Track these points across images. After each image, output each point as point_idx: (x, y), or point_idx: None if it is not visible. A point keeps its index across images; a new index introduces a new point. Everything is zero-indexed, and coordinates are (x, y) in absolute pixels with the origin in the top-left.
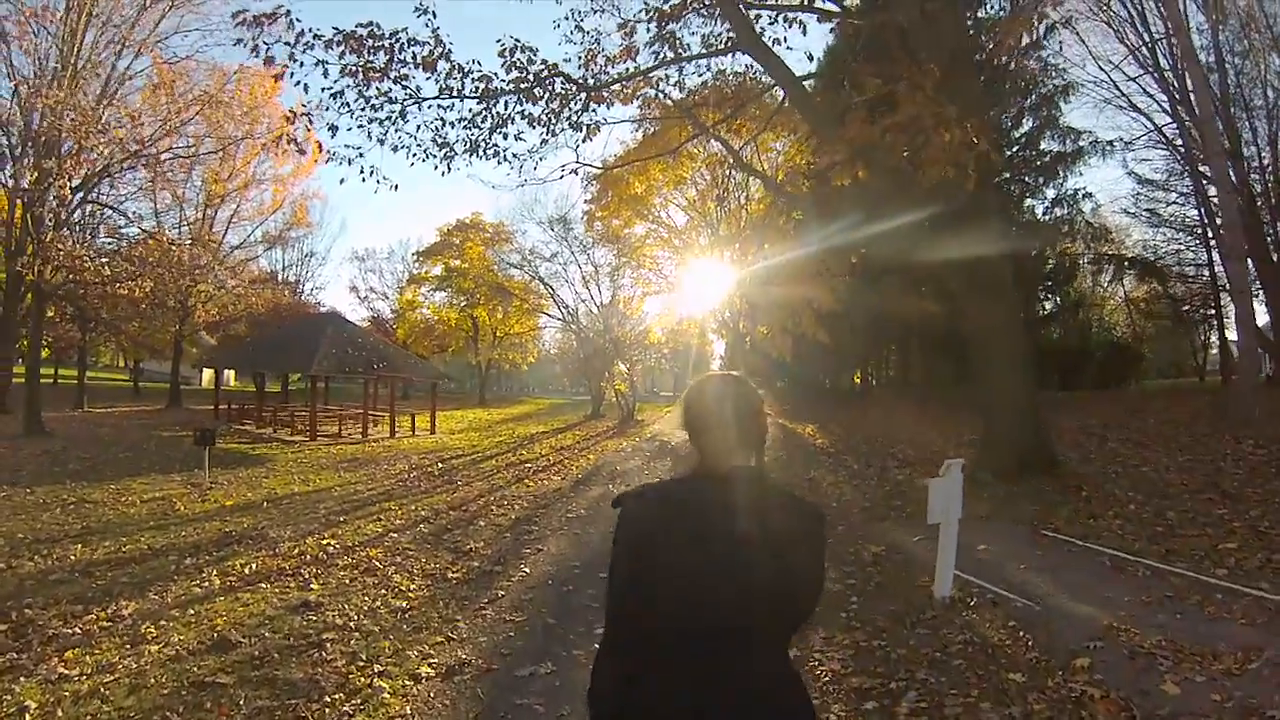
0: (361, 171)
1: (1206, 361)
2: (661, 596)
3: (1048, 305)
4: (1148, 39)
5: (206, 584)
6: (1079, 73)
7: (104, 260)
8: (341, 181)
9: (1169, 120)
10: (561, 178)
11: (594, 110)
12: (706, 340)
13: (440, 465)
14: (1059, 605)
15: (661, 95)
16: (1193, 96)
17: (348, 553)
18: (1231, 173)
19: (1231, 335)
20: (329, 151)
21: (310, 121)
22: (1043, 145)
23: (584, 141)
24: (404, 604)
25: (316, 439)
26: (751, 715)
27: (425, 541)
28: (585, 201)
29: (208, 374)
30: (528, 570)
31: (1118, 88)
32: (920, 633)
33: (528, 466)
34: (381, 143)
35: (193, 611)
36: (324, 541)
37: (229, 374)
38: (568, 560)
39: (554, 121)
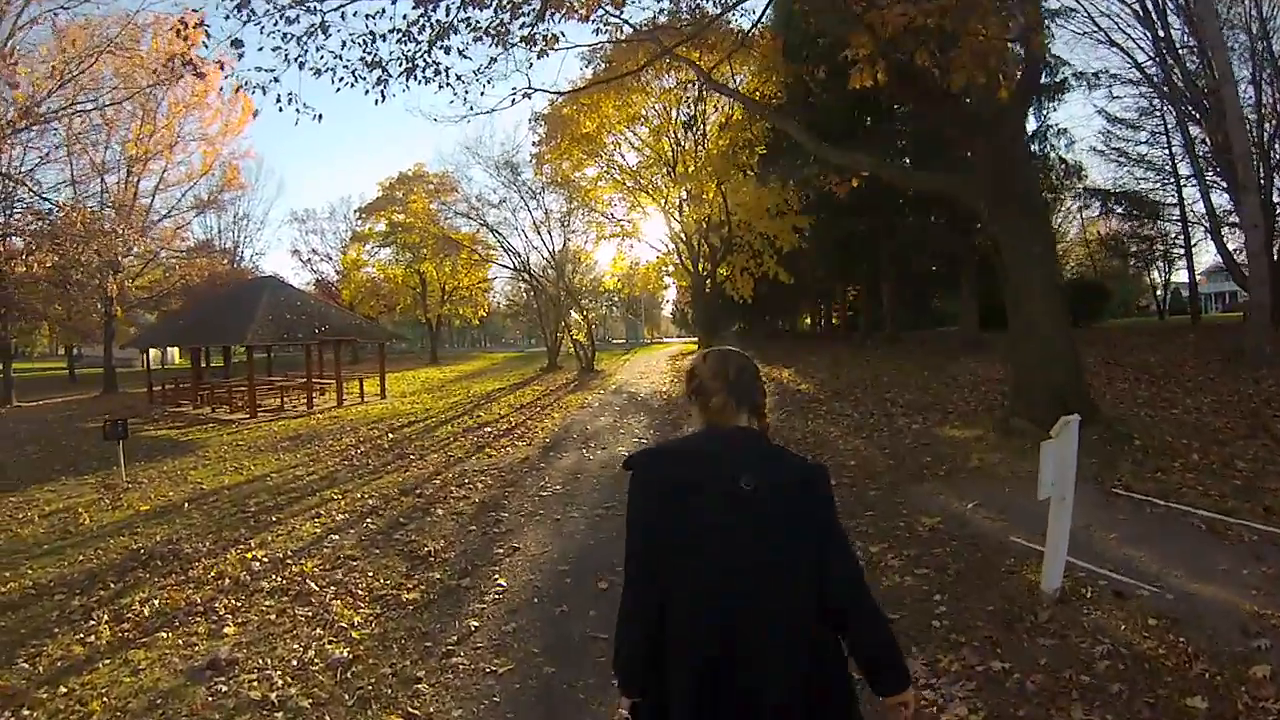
0: (278, 100)
1: (1167, 300)
2: (682, 549)
3: None
4: None
5: (93, 638)
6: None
7: None
8: (256, 114)
9: (1148, 58)
10: (514, 103)
11: (551, 19)
12: (661, 284)
13: (390, 436)
14: (1186, 590)
15: (619, 18)
16: (1175, 33)
17: (277, 569)
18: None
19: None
20: (236, 76)
21: (208, 35)
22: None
23: (538, 58)
24: (346, 652)
25: (257, 415)
26: (784, 682)
27: (373, 544)
28: (533, 143)
29: (155, 354)
30: (504, 583)
31: (1094, 22)
32: (1045, 644)
33: (487, 432)
34: (301, 65)
35: (64, 690)
36: (250, 555)
37: (173, 352)
38: (553, 562)
39: (504, 33)
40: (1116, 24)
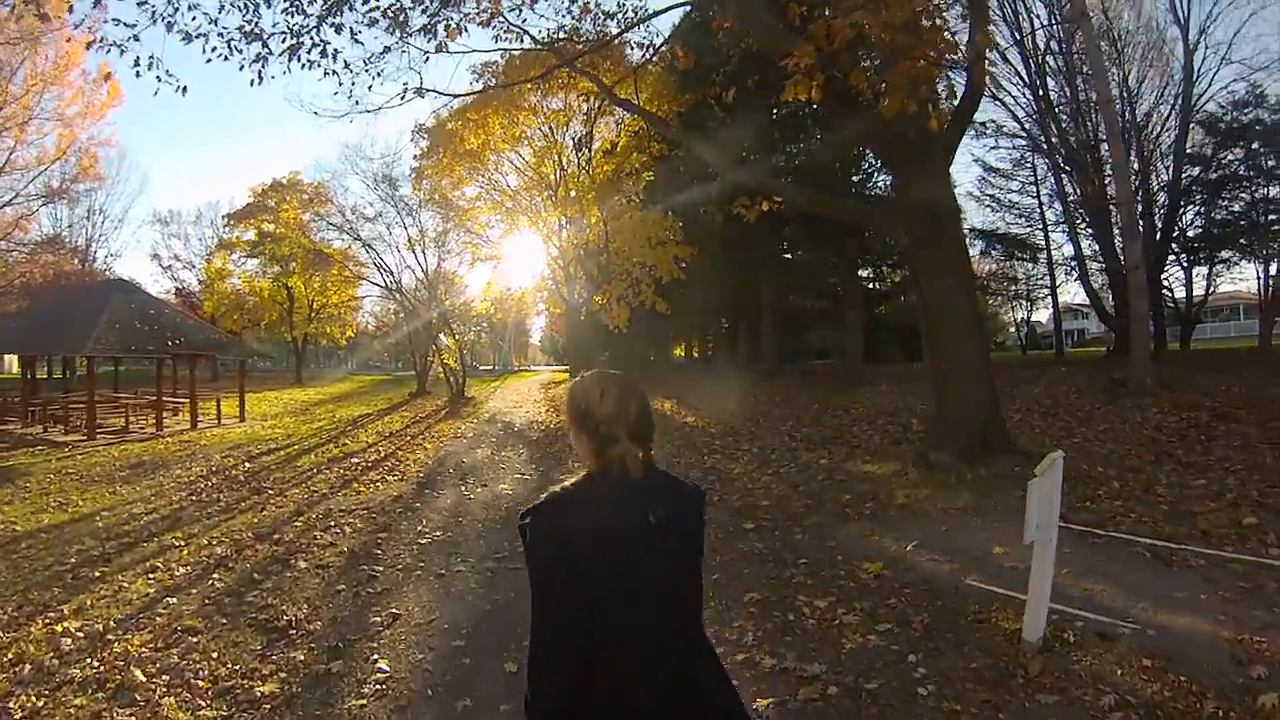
0: (137, 64)
1: (1029, 336)
2: (603, 598)
3: (893, 280)
4: (1016, 35)
5: None
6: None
7: None
8: (108, 77)
9: (1026, 115)
10: (403, 100)
11: (454, 8)
12: (534, 310)
13: (247, 466)
14: (1160, 623)
15: (520, 27)
16: (1053, 95)
17: (95, 649)
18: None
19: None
20: (89, 30)
21: None
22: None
23: (436, 51)
24: None
25: (95, 437)
26: (698, 692)
27: (219, 610)
28: (414, 156)
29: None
30: (386, 666)
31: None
32: (1048, 702)
33: (355, 463)
34: (169, 26)
35: None
36: (61, 627)
37: (11, 360)
38: (444, 634)
39: (403, 20)
40: (1000, 82)
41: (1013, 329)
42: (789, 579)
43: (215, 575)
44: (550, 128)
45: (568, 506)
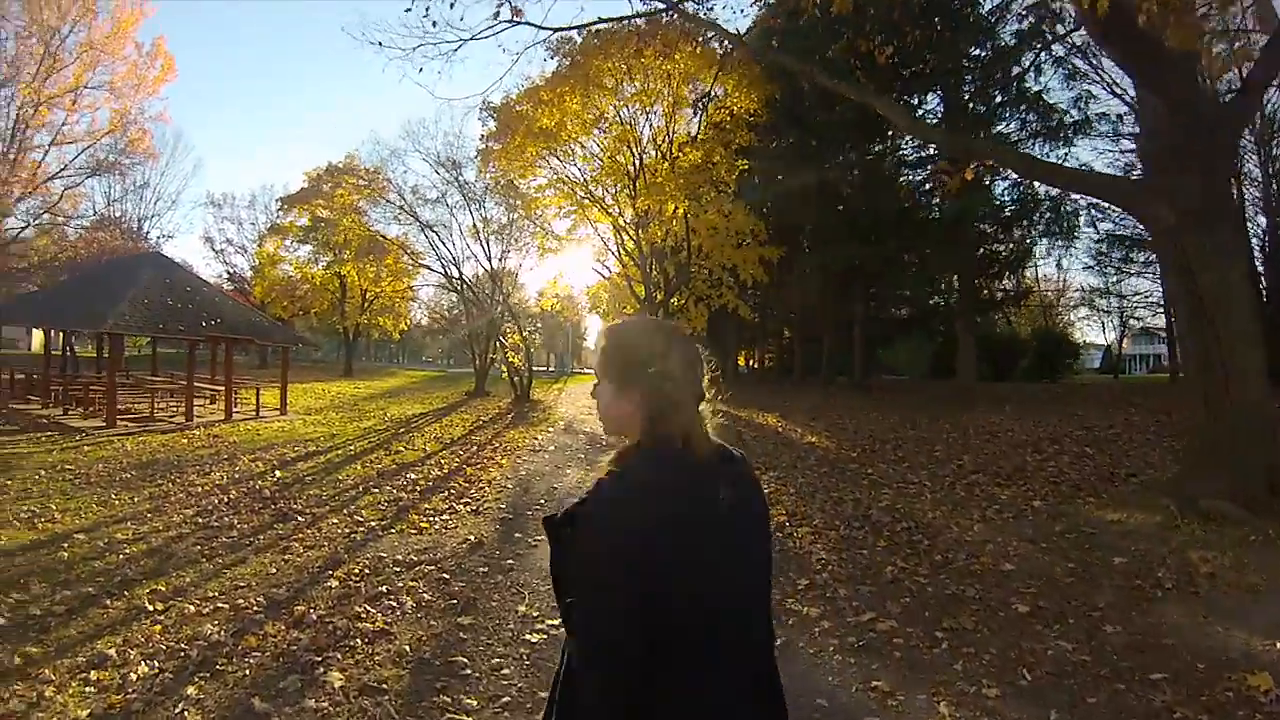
0: None
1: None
2: (676, 609)
3: (1002, 290)
4: None
5: None
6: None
7: None
8: (175, 76)
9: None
10: (494, 27)
11: None
12: (606, 309)
13: (277, 474)
14: None
15: None
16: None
17: None
18: None
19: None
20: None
21: None
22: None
23: None
24: None
25: (115, 424)
26: (772, 697)
27: None
28: (481, 137)
29: (39, 335)
30: None
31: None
32: None
33: (411, 480)
34: None
35: None
36: None
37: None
38: None
39: None
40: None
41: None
42: (1158, 706)
43: (190, 689)
44: (629, 112)
45: (625, 494)
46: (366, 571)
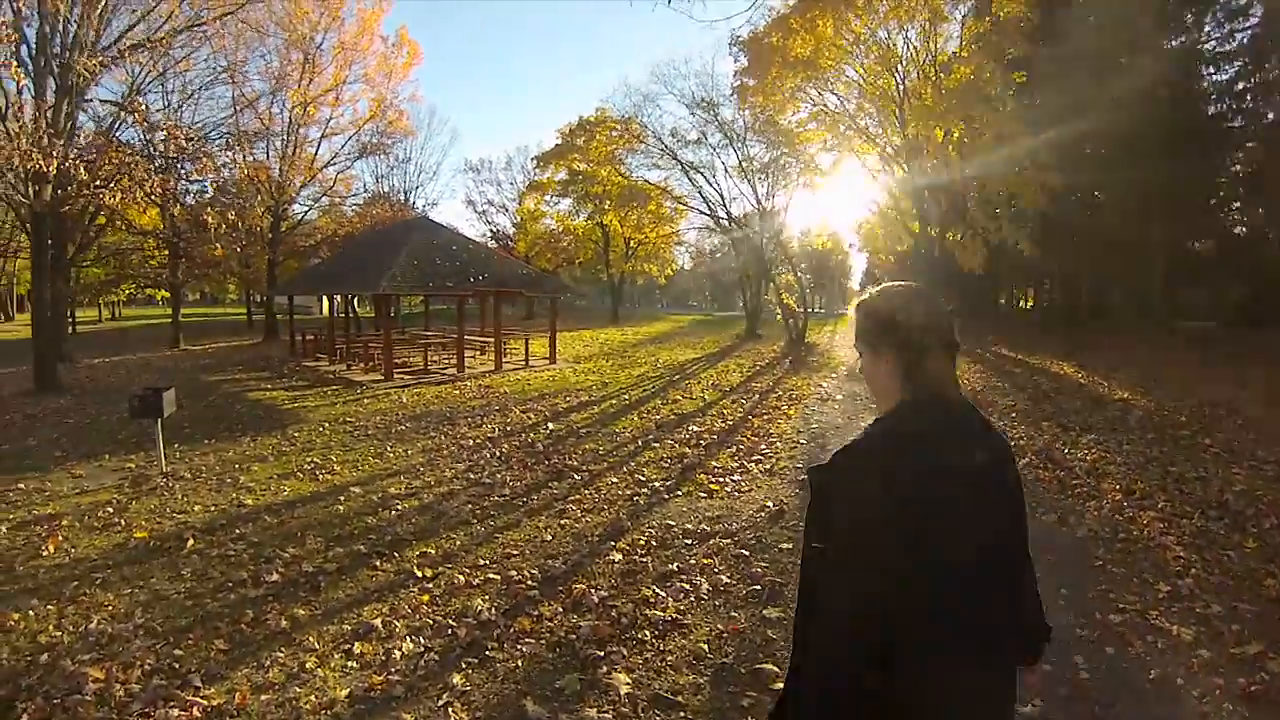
0: None
1: None
2: (936, 562)
3: None
4: None
5: None
6: None
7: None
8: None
9: None
10: None
11: None
12: (887, 246)
13: (550, 427)
14: None
15: None
16: None
17: None
18: None
19: None
20: None
21: None
22: None
23: None
24: None
25: (393, 376)
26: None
27: None
28: (734, 74)
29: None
30: None
31: None
32: None
33: (693, 433)
34: None
35: None
36: None
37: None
38: None
39: None
40: None
41: None
42: None
43: (456, 678)
44: (886, 32)
45: (889, 442)
46: (653, 543)
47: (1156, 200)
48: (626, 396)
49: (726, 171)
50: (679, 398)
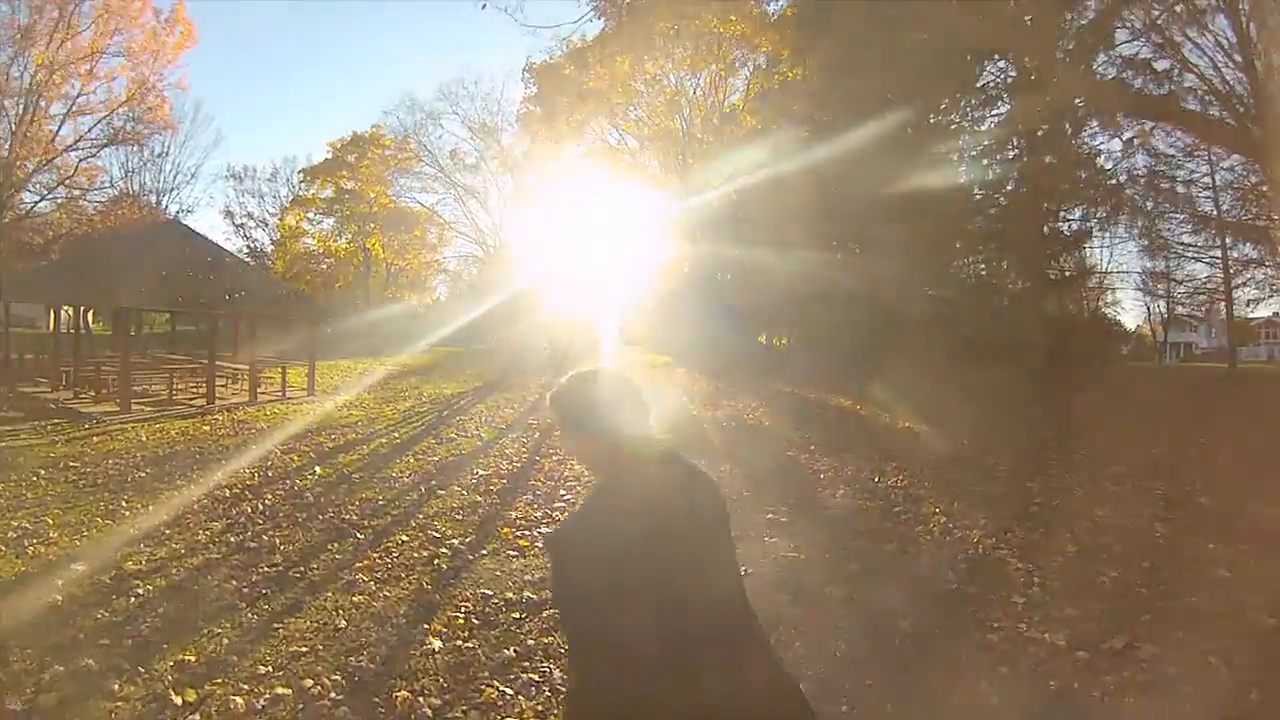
0: None
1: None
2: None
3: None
4: None
5: None
6: None
7: None
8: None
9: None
10: None
11: None
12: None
13: (317, 470)
14: None
15: None
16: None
17: None
18: None
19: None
20: None
21: None
22: None
23: None
24: None
25: (131, 409)
26: None
27: None
28: (522, 100)
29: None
30: None
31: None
32: None
33: (480, 476)
34: None
35: None
36: None
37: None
38: None
39: None
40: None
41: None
42: None
43: None
44: (678, 76)
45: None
46: (474, 621)
47: (919, 253)
48: (396, 435)
49: (501, 199)
50: (454, 435)
